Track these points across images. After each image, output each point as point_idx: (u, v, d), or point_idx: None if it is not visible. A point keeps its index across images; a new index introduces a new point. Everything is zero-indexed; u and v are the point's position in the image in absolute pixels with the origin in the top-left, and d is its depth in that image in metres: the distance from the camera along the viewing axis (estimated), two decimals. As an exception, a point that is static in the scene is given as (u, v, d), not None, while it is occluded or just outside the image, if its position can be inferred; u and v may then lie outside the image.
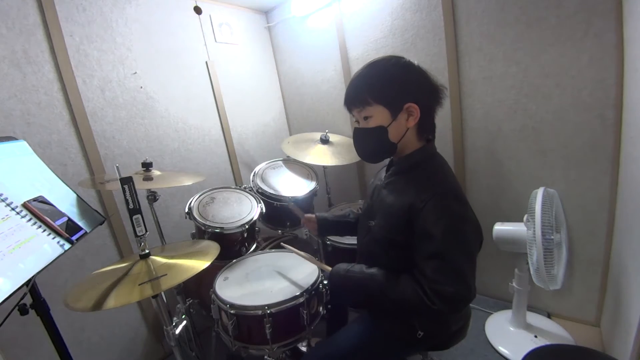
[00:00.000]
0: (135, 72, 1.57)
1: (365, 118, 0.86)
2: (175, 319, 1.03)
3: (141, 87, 1.60)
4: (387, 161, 0.99)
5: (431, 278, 0.74)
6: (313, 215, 1.24)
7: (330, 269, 0.99)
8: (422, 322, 0.87)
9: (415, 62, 0.85)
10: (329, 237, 1.43)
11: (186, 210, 1.39)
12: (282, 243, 1.39)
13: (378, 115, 0.84)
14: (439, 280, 0.73)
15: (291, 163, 1.87)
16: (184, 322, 1.06)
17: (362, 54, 1.88)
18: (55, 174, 0.99)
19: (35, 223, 0.80)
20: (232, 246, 1.38)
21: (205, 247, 1.03)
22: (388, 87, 0.82)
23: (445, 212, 0.77)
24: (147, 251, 0.93)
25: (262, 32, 2.26)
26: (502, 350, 1.40)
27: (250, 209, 1.47)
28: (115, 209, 1.48)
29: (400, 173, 0.90)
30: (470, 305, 1.00)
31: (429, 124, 0.88)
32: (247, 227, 1.37)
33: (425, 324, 0.87)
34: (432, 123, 0.90)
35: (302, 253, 1.16)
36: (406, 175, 0.88)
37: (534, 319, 1.51)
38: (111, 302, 0.75)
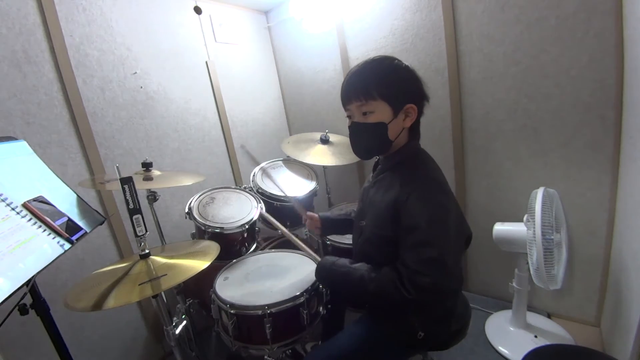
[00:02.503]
0: (135, 72, 1.57)
1: (365, 113, 0.86)
2: (175, 319, 1.03)
3: (141, 87, 1.60)
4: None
5: (412, 268, 0.75)
6: (316, 215, 1.24)
7: (318, 258, 1.02)
8: (423, 322, 0.87)
9: (411, 67, 0.88)
10: (329, 237, 1.43)
11: (186, 210, 1.39)
12: (262, 213, 1.36)
13: (380, 112, 0.85)
14: (418, 270, 0.74)
15: (291, 163, 1.87)
16: (184, 322, 1.06)
17: (362, 54, 1.88)
18: (55, 174, 0.99)
19: (35, 223, 0.80)
20: (232, 246, 1.38)
21: (205, 247, 1.03)
22: (395, 86, 0.84)
23: (428, 203, 0.78)
24: (147, 251, 0.93)
25: (262, 32, 2.26)
26: (502, 350, 1.40)
27: (250, 209, 1.47)
28: (115, 209, 1.48)
29: (386, 170, 0.92)
30: (471, 305, 1.01)
31: (418, 128, 0.93)
32: (247, 227, 1.37)
33: (426, 324, 0.87)
34: (419, 127, 0.94)
35: (288, 233, 1.17)
36: (392, 172, 0.90)
37: (534, 319, 1.51)
38: (111, 302, 0.75)
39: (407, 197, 0.79)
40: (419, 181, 0.82)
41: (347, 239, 1.39)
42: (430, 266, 0.74)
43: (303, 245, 1.15)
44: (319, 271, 0.99)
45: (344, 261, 0.94)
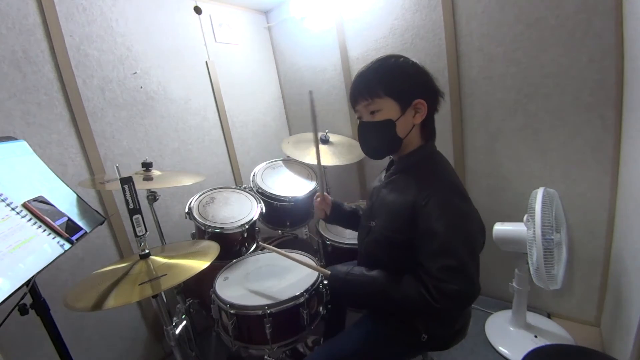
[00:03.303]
0: (136, 72, 1.57)
1: (373, 112, 0.85)
2: (175, 319, 1.03)
3: (141, 87, 1.60)
4: (387, 163, 1.00)
5: (436, 276, 0.73)
6: (330, 197, 1.18)
7: (326, 271, 0.99)
8: (427, 324, 0.87)
9: (419, 63, 0.87)
10: (328, 238, 1.43)
11: (186, 210, 1.39)
12: (261, 243, 1.37)
13: (387, 109, 0.84)
14: (443, 279, 0.72)
15: (291, 163, 1.87)
16: (184, 322, 1.06)
17: (362, 53, 1.88)
18: (55, 174, 0.99)
19: (35, 223, 0.80)
20: (232, 246, 1.38)
21: (205, 247, 1.03)
22: (400, 82, 0.83)
23: (448, 209, 0.76)
24: (147, 251, 0.93)
25: (262, 32, 2.26)
26: (502, 350, 1.40)
27: (250, 209, 1.47)
28: (115, 209, 1.48)
29: (401, 172, 0.90)
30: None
31: (432, 124, 0.90)
32: (247, 227, 1.37)
33: (430, 326, 0.87)
34: (434, 125, 0.91)
35: (287, 254, 1.14)
36: (407, 174, 0.87)
37: (534, 319, 1.51)
38: (111, 302, 0.75)
39: (426, 202, 0.76)
40: (438, 185, 0.80)
41: (347, 239, 1.39)
42: (453, 274, 0.72)
43: (312, 264, 1.13)
44: (332, 282, 0.97)
45: (359, 269, 0.91)
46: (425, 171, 0.85)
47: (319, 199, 1.16)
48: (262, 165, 1.82)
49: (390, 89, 0.82)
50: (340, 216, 1.19)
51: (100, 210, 1.43)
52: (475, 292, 0.74)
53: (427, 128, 0.89)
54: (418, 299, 0.75)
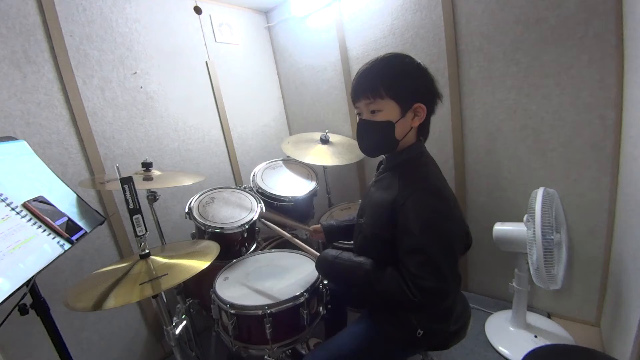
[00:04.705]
0: (135, 72, 1.57)
1: (373, 111, 0.86)
2: (175, 319, 1.03)
3: (141, 87, 1.60)
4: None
5: (412, 272, 0.76)
6: (318, 226, 1.25)
7: (317, 254, 1.01)
8: (422, 320, 0.87)
9: (423, 65, 0.86)
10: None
11: (186, 210, 1.39)
12: (262, 220, 1.39)
13: (388, 110, 0.84)
14: (419, 275, 0.75)
15: (291, 163, 1.87)
16: (184, 322, 1.06)
17: (362, 53, 1.88)
18: (55, 174, 0.99)
19: (35, 223, 0.80)
20: (232, 246, 1.38)
21: (205, 247, 1.03)
22: (404, 84, 0.83)
23: (425, 209, 0.78)
24: (147, 251, 0.93)
25: (262, 32, 2.26)
26: (502, 350, 1.40)
27: (250, 209, 1.47)
28: (115, 209, 1.48)
29: (389, 170, 0.92)
30: (471, 305, 1.01)
31: (428, 125, 0.92)
32: (247, 227, 1.37)
33: (425, 322, 0.88)
34: (429, 126, 0.93)
35: (282, 231, 1.19)
36: (392, 172, 0.89)
37: (534, 319, 1.51)
38: (111, 302, 0.75)
39: (404, 201, 0.79)
40: (418, 185, 0.82)
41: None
42: (427, 271, 0.75)
43: (304, 246, 1.15)
44: (320, 263, 0.98)
45: (348, 254, 0.93)
46: (409, 171, 0.86)
47: (313, 236, 1.28)
48: (262, 165, 1.82)
49: (394, 90, 0.82)
50: (337, 235, 1.23)
51: (100, 210, 1.43)
52: (450, 289, 0.77)
53: (424, 130, 0.91)
54: (399, 293, 0.77)
